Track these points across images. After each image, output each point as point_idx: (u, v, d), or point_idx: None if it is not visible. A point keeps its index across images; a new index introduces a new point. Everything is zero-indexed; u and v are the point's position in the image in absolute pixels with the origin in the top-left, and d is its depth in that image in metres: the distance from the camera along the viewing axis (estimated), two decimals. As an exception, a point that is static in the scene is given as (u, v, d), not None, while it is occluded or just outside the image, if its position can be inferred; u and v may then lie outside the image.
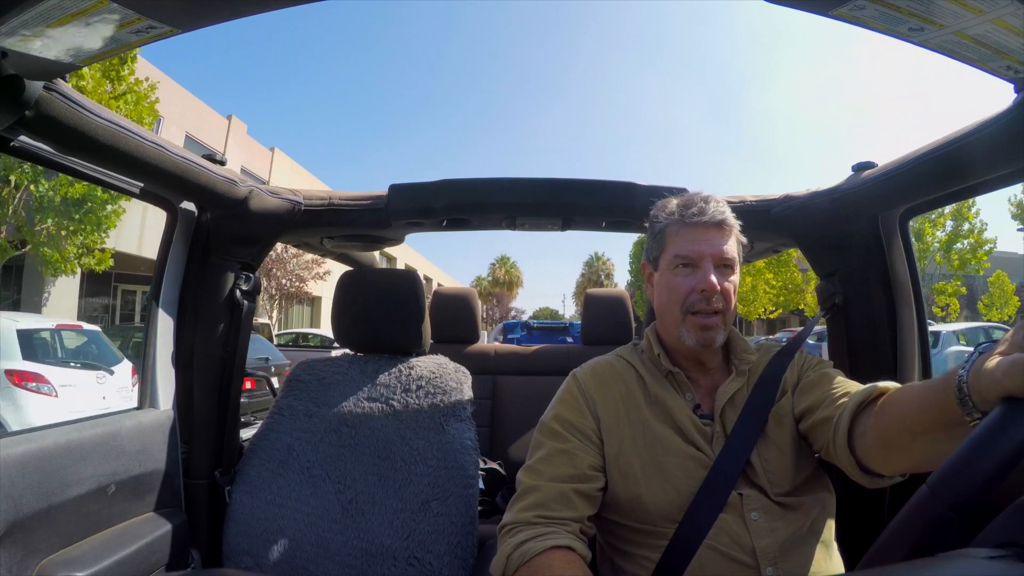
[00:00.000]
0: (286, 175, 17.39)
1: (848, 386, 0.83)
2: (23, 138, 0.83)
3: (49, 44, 0.66)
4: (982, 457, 0.42)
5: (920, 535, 0.43)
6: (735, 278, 0.89)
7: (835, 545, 0.85)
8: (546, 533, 0.77)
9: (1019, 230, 17.67)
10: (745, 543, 0.78)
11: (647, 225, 0.97)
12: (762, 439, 0.84)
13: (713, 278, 0.85)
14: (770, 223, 1.26)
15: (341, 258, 1.85)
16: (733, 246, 0.89)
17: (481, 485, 1.43)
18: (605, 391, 0.92)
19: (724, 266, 0.88)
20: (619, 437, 0.88)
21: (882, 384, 0.77)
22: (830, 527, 0.86)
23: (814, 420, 0.83)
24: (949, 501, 0.42)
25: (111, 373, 5.17)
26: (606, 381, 0.94)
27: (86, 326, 5.60)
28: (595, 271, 43.37)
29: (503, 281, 45.59)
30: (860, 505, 1.14)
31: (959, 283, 17.37)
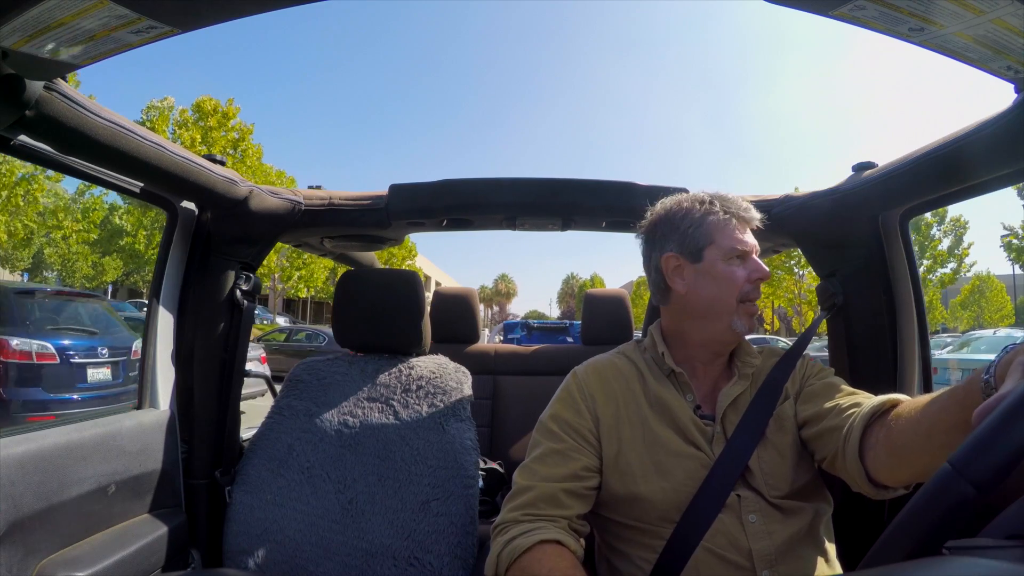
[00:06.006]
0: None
1: (857, 396, 0.83)
2: (23, 138, 0.83)
3: (49, 44, 0.66)
4: (1005, 435, 0.42)
5: (941, 515, 0.43)
6: None
7: (833, 549, 0.84)
8: (534, 529, 0.77)
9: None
10: (742, 545, 0.78)
11: (678, 216, 0.93)
12: (762, 442, 0.84)
13: (764, 266, 0.91)
14: (770, 223, 1.26)
15: (341, 258, 1.85)
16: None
17: (481, 485, 1.43)
18: (606, 389, 0.92)
19: None
20: (618, 436, 0.88)
21: (894, 396, 0.77)
22: (828, 532, 0.85)
23: (820, 429, 0.82)
24: (971, 479, 0.42)
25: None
26: (607, 379, 0.94)
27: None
28: (571, 287, 58.30)
29: (503, 292, 62.08)
30: (860, 510, 1.14)
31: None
